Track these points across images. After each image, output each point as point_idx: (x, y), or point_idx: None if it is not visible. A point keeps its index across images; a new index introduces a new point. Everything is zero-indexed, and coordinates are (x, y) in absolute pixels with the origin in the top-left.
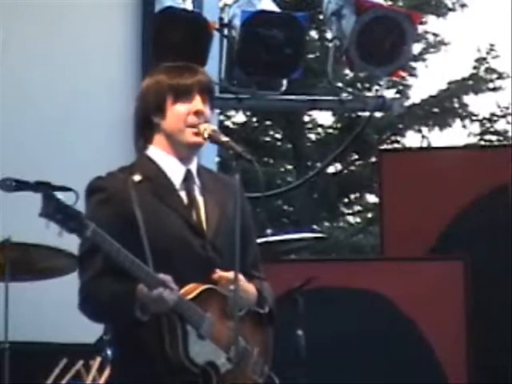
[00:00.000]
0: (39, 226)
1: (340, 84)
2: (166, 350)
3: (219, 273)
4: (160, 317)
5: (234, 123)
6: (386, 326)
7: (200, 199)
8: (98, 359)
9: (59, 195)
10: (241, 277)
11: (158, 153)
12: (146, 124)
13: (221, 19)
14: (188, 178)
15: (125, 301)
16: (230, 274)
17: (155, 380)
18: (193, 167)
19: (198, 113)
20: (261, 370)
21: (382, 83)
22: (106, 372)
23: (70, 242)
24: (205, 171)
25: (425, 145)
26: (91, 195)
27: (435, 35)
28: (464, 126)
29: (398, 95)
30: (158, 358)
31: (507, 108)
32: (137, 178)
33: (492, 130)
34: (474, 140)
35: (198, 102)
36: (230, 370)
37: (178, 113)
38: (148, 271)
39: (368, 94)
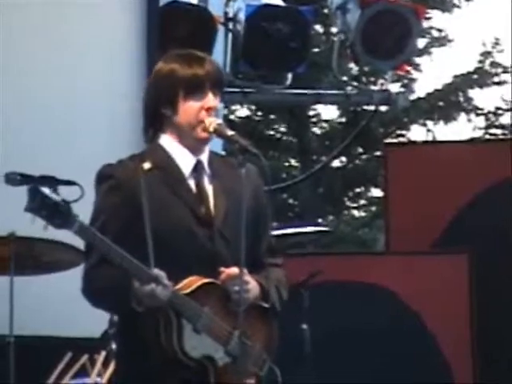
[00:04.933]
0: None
1: (345, 78)
2: (161, 344)
3: (225, 272)
4: (156, 311)
5: (238, 117)
6: (390, 320)
7: (209, 188)
8: (103, 353)
9: (46, 190)
10: (244, 271)
11: (170, 142)
12: (156, 115)
13: (226, 13)
14: (198, 169)
15: (122, 291)
16: (235, 270)
17: (152, 374)
18: (204, 158)
19: (209, 109)
20: (262, 363)
21: (386, 77)
22: (111, 366)
23: (76, 238)
24: (217, 158)
25: (430, 138)
26: (100, 183)
27: (440, 30)
28: (469, 120)
29: (403, 89)
30: (155, 351)
31: None
32: (147, 165)
33: (497, 123)
34: (479, 134)
35: (210, 99)
36: (229, 363)
37: (190, 109)
38: (140, 267)
39: (373, 87)
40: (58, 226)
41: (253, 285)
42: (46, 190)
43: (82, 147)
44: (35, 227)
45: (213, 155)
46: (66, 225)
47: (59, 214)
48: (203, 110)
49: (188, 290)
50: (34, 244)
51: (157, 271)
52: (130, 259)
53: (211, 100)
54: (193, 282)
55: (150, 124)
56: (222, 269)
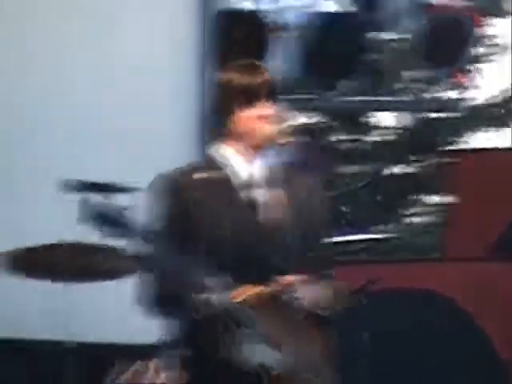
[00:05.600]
0: None
1: (401, 85)
2: (218, 352)
3: (281, 280)
4: (213, 319)
5: (296, 125)
6: (448, 328)
7: (265, 197)
8: (156, 361)
9: (101, 198)
10: (301, 278)
11: (226, 151)
12: (216, 123)
13: (281, 19)
14: (254, 177)
15: (179, 297)
16: (291, 278)
17: (209, 381)
18: (259, 166)
19: (266, 117)
20: (318, 372)
21: (445, 84)
22: (163, 374)
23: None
24: (273, 167)
25: (489, 145)
26: (156, 192)
27: (496, 37)
28: None
29: (460, 96)
30: (211, 359)
31: None
32: (202, 175)
33: None
34: None
35: (266, 107)
36: (283, 371)
37: (246, 117)
38: (196, 275)
39: (430, 94)
40: (114, 235)
41: (309, 292)
42: (100, 199)
43: (139, 153)
44: (90, 234)
45: (269, 163)
46: (124, 234)
47: (115, 223)
48: (260, 118)
49: (244, 298)
50: (89, 251)
51: (213, 280)
52: (186, 268)
53: (267, 108)
54: (248, 290)
55: (210, 133)
56: (278, 277)
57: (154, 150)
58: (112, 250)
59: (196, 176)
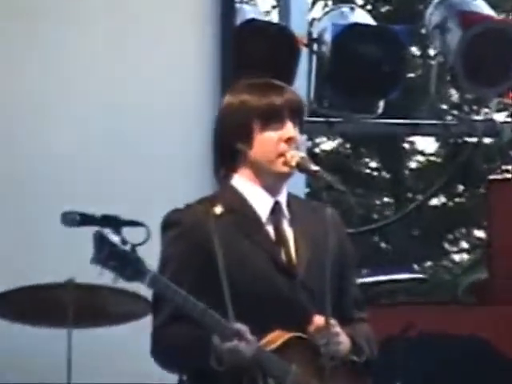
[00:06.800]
0: None
1: (444, 106)
2: None
3: (312, 324)
4: (239, 369)
5: (323, 151)
6: (491, 376)
7: (290, 234)
8: None
9: (113, 237)
10: (334, 322)
11: (243, 183)
12: (228, 151)
13: (309, 33)
14: (276, 211)
15: (199, 349)
16: (323, 321)
17: None
18: (282, 198)
19: (289, 140)
20: None
21: (491, 105)
22: None
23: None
24: (295, 200)
25: None
26: (166, 230)
27: None
28: None
29: (509, 119)
30: None
31: None
32: (218, 210)
33: None
34: None
35: (289, 128)
36: None
37: (268, 142)
38: (220, 321)
39: (476, 117)
40: (128, 278)
41: (343, 337)
42: (113, 238)
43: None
44: (96, 273)
45: (291, 196)
46: (138, 276)
47: (129, 264)
48: (282, 141)
49: (273, 346)
50: (96, 292)
51: (239, 325)
52: (209, 312)
53: (291, 130)
54: (278, 337)
55: (222, 163)
56: (310, 321)
57: (168, 178)
58: (119, 291)
59: (214, 211)
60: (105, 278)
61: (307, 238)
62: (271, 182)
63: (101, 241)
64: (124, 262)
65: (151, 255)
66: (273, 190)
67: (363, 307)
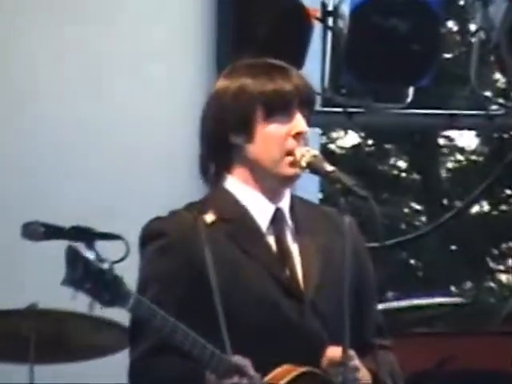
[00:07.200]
0: None
1: (488, 93)
2: None
3: (326, 356)
4: None
5: (341, 147)
6: None
7: (294, 246)
8: None
9: (89, 254)
10: (352, 354)
11: (239, 185)
12: (221, 146)
13: (323, 5)
14: (278, 220)
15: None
16: (339, 353)
17: None
18: (284, 204)
19: (299, 136)
20: None
21: None
22: None
23: (118, 310)
24: (301, 204)
25: None
26: (147, 242)
27: None
28: None
29: None
30: None
31: None
32: (209, 218)
33: None
34: None
35: (299, 121)
36: None
37: (273, 136)
38: (216, 354)
39: None
40: (107, 302)
41: (363, 372)
42: (88, 254)
43: (132, 187)
44: (64, 298)
45: (296, 200)
46: (118, 300)
47: (108, 285)
48: (290, 136)
49: (281, 383)
50: (63, 320)
51: (239, 359)
52: (202, 343)
53: (301, 123)
54: (286, 372)
55: (213, 160)
56: (323, 352)
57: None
58: (91, 319)
59: (204, 219)
60: (77, 303)
61: (316, 251)
62: (273, 185)
63: (74, 258)
64: (102, 283)
65: (129, 275)
66: (274, 196)
67: (386, 333)
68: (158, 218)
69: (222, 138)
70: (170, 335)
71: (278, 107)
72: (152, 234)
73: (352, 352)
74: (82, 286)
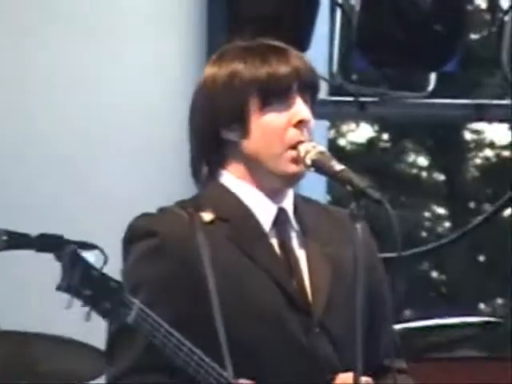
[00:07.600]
0: (47, 308)
1: None
2: None
3: (335, 382)
4: None
5: (351, 143)
6: None
7: (301, 252)
8: None
9: (89, 256)
10: (365, 381)
11: (236, 182)
12: (212, 144)
13: None
14: (281, 221)
15: None
16: (350, 379)
17: None
18: (287, 204)
19: (301, 124)
20: None
21: None
22: None
23: (93, 331)
24: (306, 205)
25: None
26: (134, 242)
27: None
28: None
29: None
30: None
31: None
32: (207, 216)
33: None
34: None
35: (300, 107)
36: None
37: (270, 127)
38: (217, 372)
39: None
40: (105, 313)
41: None
42: (89, 257)
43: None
44: (30, 319)
45: (300, 200)
46: (119, 310)
47: (109, 293)
48: (291, 125)
49: None
50: (29, 343)
51: (243, 381)
52: (208, 363)
53: (302, 109)
54: None
55: (205, 155)
56: (333, 377)
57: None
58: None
59: (202, 217)
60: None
61: (325, 260)
62: (274, 185)
63: (72, 260)
64: (103, 290)
65: None
66: (276, 195)
67: (402, 354)
68: (145, 215)
69: (212, 134)
70: (174, 353)
71: (274, 93)
72: (139, 233)
73: (366, 379)
74: (80, 292)
